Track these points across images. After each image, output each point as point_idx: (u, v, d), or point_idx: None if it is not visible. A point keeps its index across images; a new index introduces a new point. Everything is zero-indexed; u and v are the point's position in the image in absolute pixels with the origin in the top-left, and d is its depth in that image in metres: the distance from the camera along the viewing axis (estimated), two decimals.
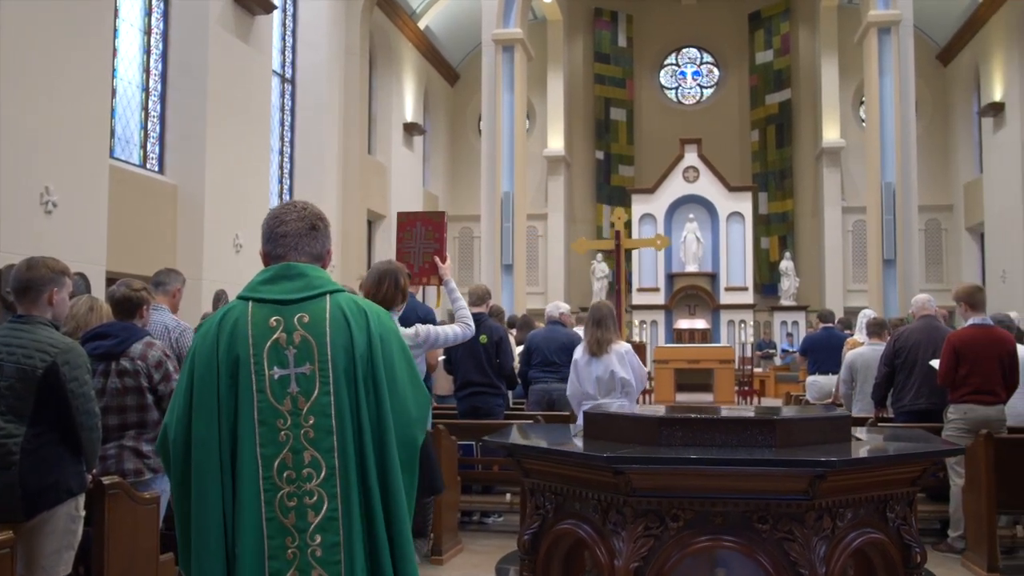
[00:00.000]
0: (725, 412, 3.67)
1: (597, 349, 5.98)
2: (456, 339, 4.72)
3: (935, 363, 6.63)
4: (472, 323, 4.84)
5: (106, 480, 3.95)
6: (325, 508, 2.36)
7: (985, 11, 21.00)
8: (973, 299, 6.44)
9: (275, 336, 2.43)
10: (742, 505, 3.04)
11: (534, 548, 3.44)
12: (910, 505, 3.31)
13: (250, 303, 2.49)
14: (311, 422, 2.39)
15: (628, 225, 23.88)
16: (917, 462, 3.23)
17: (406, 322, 4.96)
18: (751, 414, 3.39)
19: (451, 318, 5.37)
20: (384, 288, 4.54)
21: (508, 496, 7.45)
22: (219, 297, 10.40)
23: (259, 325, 2.44)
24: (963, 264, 23.67)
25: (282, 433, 2.38)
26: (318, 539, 2.35)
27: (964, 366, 6.18)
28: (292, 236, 2.57)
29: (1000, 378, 6.17)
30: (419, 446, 2.57)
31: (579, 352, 6.17)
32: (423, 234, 5.60)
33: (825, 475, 2.94)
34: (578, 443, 3.55)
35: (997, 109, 20.63)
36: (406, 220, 5.75)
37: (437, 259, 5.31)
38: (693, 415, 3.41)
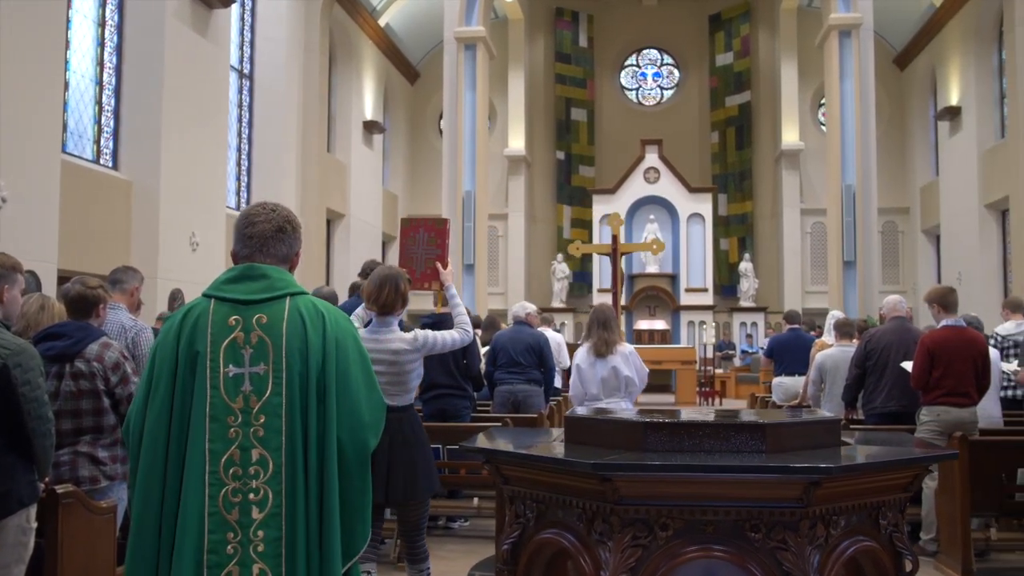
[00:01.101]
0: (713, 416, 3.55)
1: (604, 350, 6.00)
2: (455, 344, 4.68)
3: (907, 365, 6.59)
4: (471, 329, 4.83)
5: (60, 489, 3.74)
6: (270, 505, 2.44)
7: (942, 16, 21.23)
8: (946, 300, 6.40)
9: (233, 335, 2.51)
10: (734, 513, 2.93)
11: (514, 558, 3.30)
12: (902, 512, 3.22)
13: (212, 301, 2.56)
14: (261, 421, 2.46)
15: (589, 226, 23.95)
16: (911, 467, 3.13)
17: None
18: (740, 418, 3.28)
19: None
20: (385, 293, 4.52)
21: (476, 500, 7.31)
22: (175, 296, 10.15)
23: (219, 323, 2.52)
24: (919, 266, 23.92)
25: (232, 430, 2.45)
26: (261, 535, 2.42)
27: (938, 368, 6.13)
28: (258, 238, 2.64)
29: (973, 380, 6.13)
30: (371, 449, 2.61)
31: (582, 354, 6.13)
32: (426, 240, 5.70)
33: (820, 482, 2.84)
34: (559, 448, 3.42)
35: (953, 113, 20.88)
36: (409, 226, 5.82)
37: (439, 265, 5.35)
38: (680, 419, 3.29)
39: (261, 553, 2.41)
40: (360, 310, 4.76)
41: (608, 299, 22.93)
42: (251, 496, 2.43)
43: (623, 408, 5.69)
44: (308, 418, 2.49)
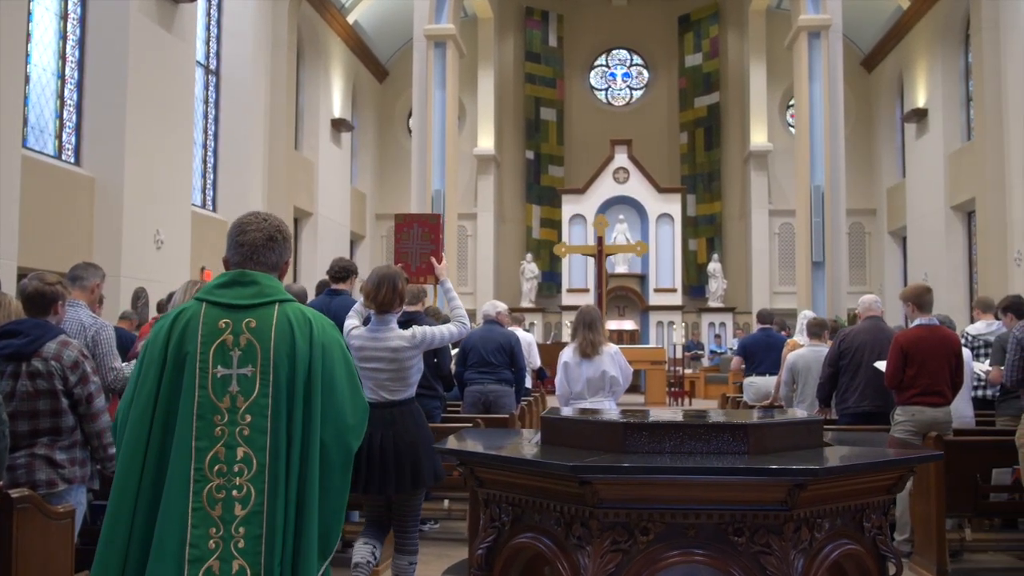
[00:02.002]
0: (694, 416, 3.47)
1: (590, 351, 6.10)
2: (452, 338, 4.82)
3: (880, 365, 6.56)
4: (467, 322, 4.95)
5: (15, 493, 3.60)
6: (252, 502, 2.51)
7: (909, 19, 21.39)
8: (921, 300, 6.37)
9: (223, 337, 2.61)
10: (716, 516, 2.85)
11: (489, 563, 3.20)
12: (885, 514, 3.16)
13: (204, 304, 2.67)
14: (248, 420, 2.55)
15: (558, 226, 23.91)
16: (896, 468, 3.07)
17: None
18: (722, 418, 3.20)
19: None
20: (382, 292, 4.63)
21: (446, 502, 7.19)
22: (138, 295, 9.91)
23: (209, 325, 2.62)
24: (886, 267, 24.10)
25: (218, 428, 2.54)
26: (242, 531, 2.49)
27: (912, 367, 6.10)
28: (249, 246, 2.75)
29: (948, 379, 6.11)
30: (354, 451, 2.70)
31: (568, 354, 6.23)
32: (420, 235, 6.04)
33: (806, 484, 2.76)
34: (536, 450, 3.32)
35: (920, 115, 21.05)
36: (404, 222, 6.12)
37: (433, 259, 5.48)
38: (660, 419, 3.20)
39: (242, 549, 2.48)
40: (359, 306, 4.83)
41: (586, 299, 23.01)
42: (234, 493, 2.50)
43: (607, 407, 5.86)
44: (293, 420, 2.59)
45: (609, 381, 6.07)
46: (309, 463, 2.59)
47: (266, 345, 2.61)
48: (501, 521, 3.20)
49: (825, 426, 6.55)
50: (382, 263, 26.67)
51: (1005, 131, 16.88)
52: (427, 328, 4.72)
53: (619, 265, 23.50)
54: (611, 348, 6.22)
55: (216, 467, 2.51)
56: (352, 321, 4.79)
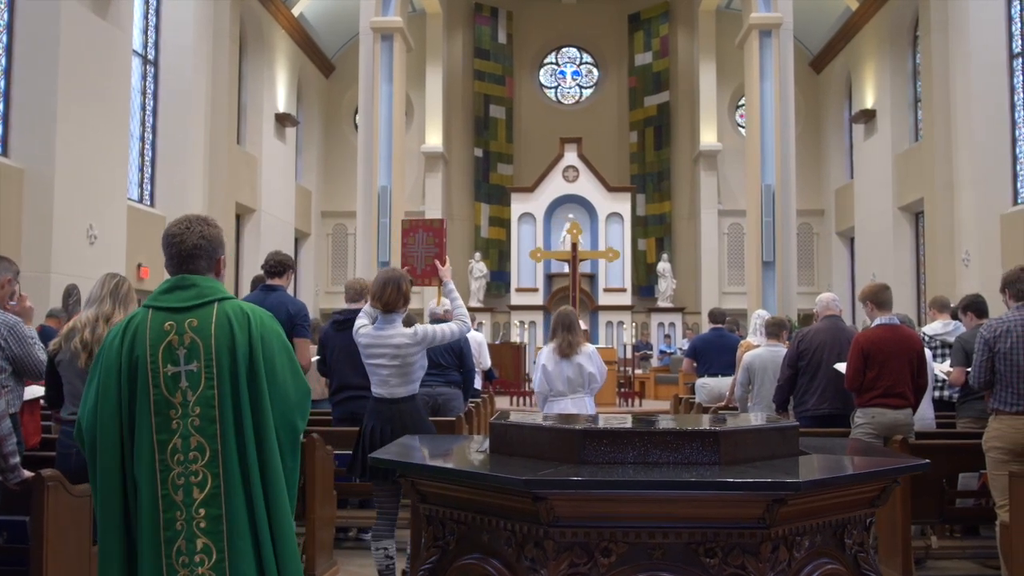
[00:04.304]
0: (660, 423, 3.16)
1: (569, 351, 6.37)
2: (453, 336, 5.06)
3: (841, 367, 6.34)
4: (469, 321, 5.20)
5: (45, 472, 3.89)
6: (209, 486, 2.75)
7: (858, 20, 21.44)
8: (879, 298, 6.16)
9: (168, 338, 2.83)
10: (686, 535, 2.55)
11: None
12: (867, 529, 2.88)
13: (150, 311, 2.90)
14: (197, 412, 2.78)
15: (507, 224, 23.62)
16: (881, 479, 2.79)
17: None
18: (689, 425, 2.89)
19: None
20: (388, 293, 4.90)
21: None
22: (70, 292, 9.38)
23: (155, 329, 2.85)
24: (833, 268, 24.17)
25: (174, 422, 2.78)
26: (202, 512, 2.73)
27: (873, 369, 5.88)
28: (178, 257, 2.96)
29: (910, 380, 5.90)
30: (299, 430, 2.94)
31: (546, 355, 6.49)
32: (424, 240, 6.43)
33: (786, 499, 2.47)
34: (484, 460, 3.00)
35: (868, 116, 21.12)
36: (409, 227, 6.56)
37: (437, 262, 5.84)
38: (622, 427, 2.89)
39: (204, 529, 2.72)
40: (367, 307, 5.06)
41: (534, 298, 22.83)
42: (192, 479, 2.74)
43: (586, 403, 6.38)
44: (240, 407, 2.80)
45: (587, 378, 6.36)
46: (265, 445, 2.80)
47: (207, 342, 2.82)
48: (445, 540, 2.87)
49: None
50: (327, 262, 26.19)
51: (953, 132, 16.95)
52: (429, 326, 4.99)
53: (567, 262, 23.24)
54: (588, 348, 6.53)
55: (176, 456, 2.75)
56: (362, 320, 5.04)
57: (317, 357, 7.05)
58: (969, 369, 5.84)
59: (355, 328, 5.07)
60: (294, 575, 2.81)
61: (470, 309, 21.17)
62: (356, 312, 6.90)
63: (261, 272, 6.56)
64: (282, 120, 21.78)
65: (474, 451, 3.21)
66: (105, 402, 2.82)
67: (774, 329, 7.87)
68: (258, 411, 2.81)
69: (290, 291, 6.73)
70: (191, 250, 2.95)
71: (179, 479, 2.74)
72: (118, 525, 2.79)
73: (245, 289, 17.02)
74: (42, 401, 5.19)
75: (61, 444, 4.52)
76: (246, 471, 2.77)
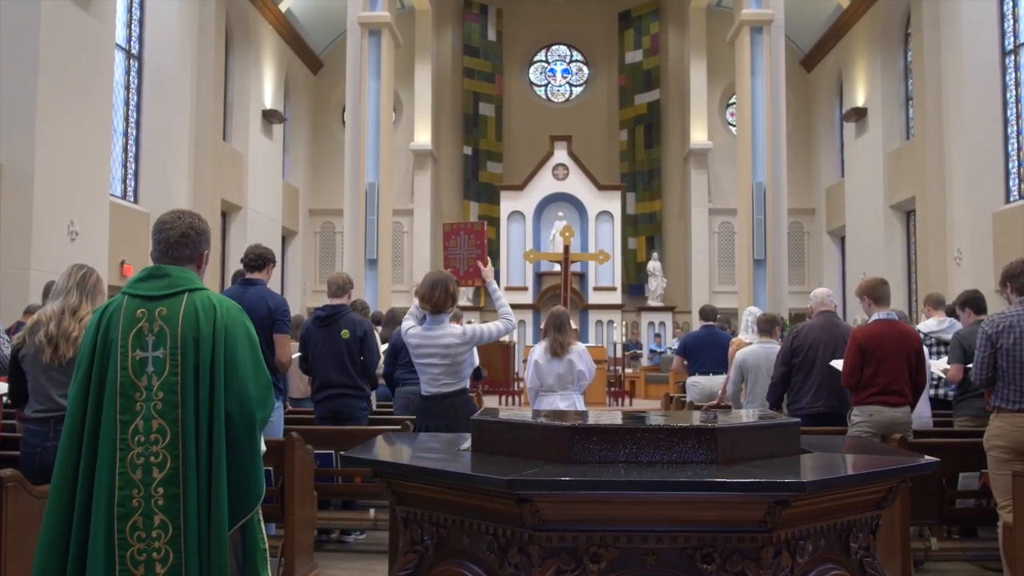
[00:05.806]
0: (653, 419, 2.99)
1: (560, 351, 6.52)
2: (500, 334, 5.33)
3: (837, 364, 6.18)
4: (513, 317, 5.40)
5: (4, 472, 3.88)
6: (168, 467, 2.89)
7: (849, 18, 21.34)
8: (876, 293, 6.00)
9: (139, 325, 2.99)
10: (681, 540, 2.38)
11: None
12: (873, 532, 2.71)
13: (126, 297, 3.06)
14: (160, 396, 2.92)
15: (497, 223, 23.42)
16: (889, 480, 2.62)
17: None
18: (684, 422, 2.71)
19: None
20: (436, 294, 5.08)
21: (372, 512, 6.64)
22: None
23: (128, 315, 3.01)
24: (824, 267, 24.04)
25: (138, 404, 2.93)
26: (161, 491, 2.88)
27: (870, 366, 5.72)
28: (164, 243, 3.12)
29: (907, 377, 5.74)
30: (257, 419, 3.02)
31: (539, 353, 6.64)
32: (466, 242, 6.59)
33: (789, 501, 2.30)
34: (466, 459, 2.81)
35: (859, 114, 21.02)
36: (451, 230, 6.75)
37: (480, 264, 6.08)
38: (612, 424, 2.71)
39: (161, 507, 2.86)
40: (414, 308, 5.26)
41: (524, 297, 22.66)
42: (152, 459, 2.88)
43: (575, 399, 6.51)
44: (200, 394, 2.94)
45: (576, 375, 6.52)
46: (215, 431, 2.92)
47: (174, 330, 2.97)
48: (424, 544, 2.69)
49: None
50: (315, 260, 25.97)
51: (945, 130, 16.84)
52: (477, 325, 5.21)
53: (558, 263, 23.07)
54: (579, 347, 6.67)
55: (137, 437, 2.89)
56: (409, 322, 5.24)
57: (299, 354, 6.87)
58: (968, 366, 5.69)
59: (403, 329, 5.28)
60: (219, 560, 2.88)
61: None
62: (339, 308, 6.74)
63: (240, 267, 6.34)
64: (269, 116, 21.55)
65: (455, 449, 3.03)
66: (76, 380, 3.00)
67: (766, 326, 7.70)
68: (213, 399, 2.94)
69: (277, 289, 6.54)
70: (178, 238, 3.11)
71: (139, 459, 2.88)
72: (67, 500, 2.91)
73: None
74: (5, 399, 4.99)
75: (25, 444, 4.33)
76: (199, 454, 2.91)
